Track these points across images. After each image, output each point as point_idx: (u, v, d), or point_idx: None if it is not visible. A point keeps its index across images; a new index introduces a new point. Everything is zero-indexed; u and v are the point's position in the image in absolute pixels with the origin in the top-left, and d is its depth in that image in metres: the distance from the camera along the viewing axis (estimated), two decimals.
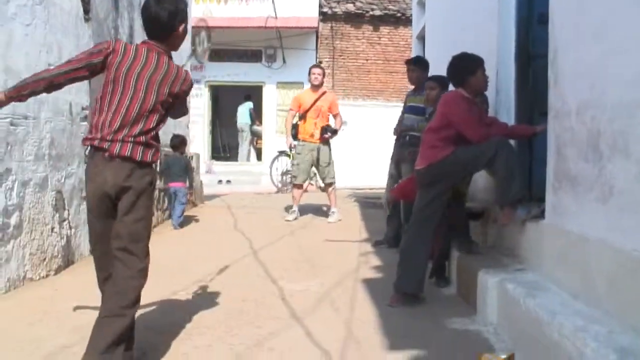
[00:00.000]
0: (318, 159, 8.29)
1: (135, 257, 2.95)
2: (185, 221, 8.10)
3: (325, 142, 8.31)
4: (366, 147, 15.42)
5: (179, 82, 3.09)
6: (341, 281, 5.07)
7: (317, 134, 8.21)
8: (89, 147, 2.98)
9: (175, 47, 3.19)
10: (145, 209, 3.02)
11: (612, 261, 2.85)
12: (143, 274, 2.97)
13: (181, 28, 3.10)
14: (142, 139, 2.96)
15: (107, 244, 2.99)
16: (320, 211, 9.14)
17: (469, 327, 3.86)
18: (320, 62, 16.60)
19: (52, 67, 3.06)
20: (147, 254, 3.03)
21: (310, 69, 8.55)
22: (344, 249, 6.50)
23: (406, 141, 6.32)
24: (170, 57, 3.12)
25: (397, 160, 6.51)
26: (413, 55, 10.84)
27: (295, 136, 8.43)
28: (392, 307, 4.27)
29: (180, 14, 3.07)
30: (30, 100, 4.56)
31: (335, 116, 8.47)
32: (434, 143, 4.32)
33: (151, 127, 3.01)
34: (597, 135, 3.07)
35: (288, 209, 8.68)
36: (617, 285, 2.80)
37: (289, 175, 14.24)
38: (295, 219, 8.37)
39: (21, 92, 2.90)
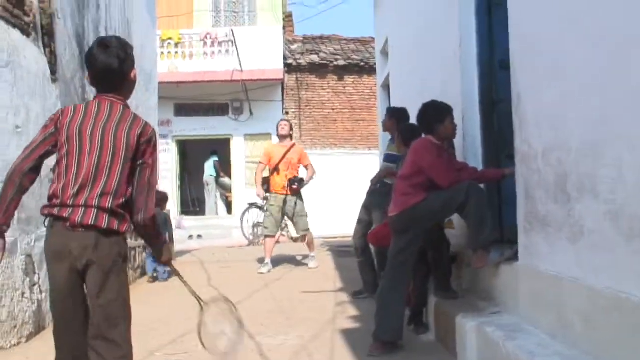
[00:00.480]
0: (290, 211, 8.39)
1: (113, 345, 2.65)
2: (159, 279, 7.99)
3: (296, 193, 8.41)
4: (335, 195, 15.47)
5: (137, 129, 2.80)
6: (319, 333, 5.03)
7: (287, 186, 8.36)
8: (47, 218, 2.74)
9: (128, 95, 2.96)
10: (120, 285, 2.73)
11: (586, 300, 2.89)
12: None
13: (133, 74, 2.92)
14: (107, 204, 2.68)
15: (76, 335, 2.70)
16: (294, 261, 9.10)
17: None
18: (287, 113, 16.78)
19: (13, 168, 2.77)
20: (128, 340, 2.74)
21: (278, 122, 8.88)
22: (321, 299, 6.46)
23: (377, 188, 6.38)
24: (126, 106, 2.89)
25: (368, 207, 6.55)
26: (378, 104, 11.03)
27: (267, 189, 8.54)
28: (372, 357, 4.24)
29: (130, 59, 2.89)
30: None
31: (306, 167, 8.65)
32: (405, 190, 4.38)
33: (114, 187, 2.71)
34: (564, 176, 3.14)
35: (261, 261, 8.63)
36: (593, 324, 2.83)
37: (261, 228, 14.20)
38: (269, 271, 8.33)
39: (9, 214, 2.76)
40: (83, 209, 2.65)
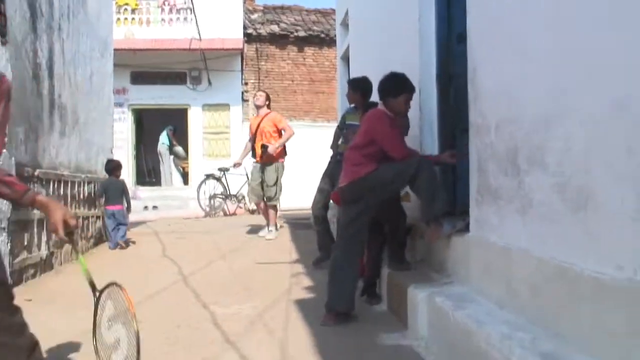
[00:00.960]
0: (263, 178, 8.54)
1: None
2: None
3: (269, 161, 8.52)
4: (293, 168, 15.44)
5: None
6: (274, 303, 5.05)
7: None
8: None
9: None
10: None
11: (533, 270, 2.96)
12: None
13: None
14: None
15: None
16: (250, 232, 9.10)
17: (400, 342, 3.91)
18: (246, 84, 16.62)
19: None
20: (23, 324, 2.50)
21: (254, 93, 9.23)
22: (276, 270, 6.48)
23: (338, 159, 6.42)
24: None
25: (332, 176, 6.56)
26: (338, 76, 11.01)
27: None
28: (326, 326, 4.29)
29: None
30: None
31: (283, 130, 8.72)
32: (357, 160, 4.40)
33: None
34: (515, 150, 3.20)
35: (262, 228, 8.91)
36: (539, 293, 2.91)
37: (217, 199, 14.15)
38: (276, 237, 8.67)
39: None
40: None
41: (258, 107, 8.81)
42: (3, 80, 2.51)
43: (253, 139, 8.70)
